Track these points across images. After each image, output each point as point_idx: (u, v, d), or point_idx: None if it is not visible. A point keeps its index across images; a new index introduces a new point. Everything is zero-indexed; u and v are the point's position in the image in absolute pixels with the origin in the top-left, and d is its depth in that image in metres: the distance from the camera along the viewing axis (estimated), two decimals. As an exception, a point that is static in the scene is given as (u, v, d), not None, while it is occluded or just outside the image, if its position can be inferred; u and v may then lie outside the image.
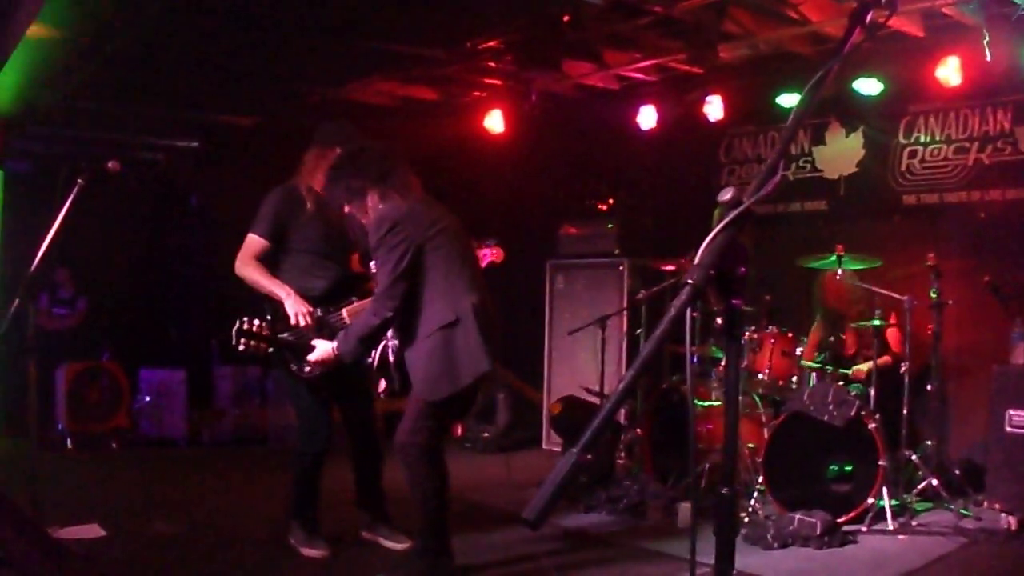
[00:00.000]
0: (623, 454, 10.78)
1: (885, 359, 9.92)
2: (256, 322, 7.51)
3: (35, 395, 8.62)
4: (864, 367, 9.82)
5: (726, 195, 2.62)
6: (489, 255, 8.10)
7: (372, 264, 7.30)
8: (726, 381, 2.84)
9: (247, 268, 7.83)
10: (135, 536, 8.45)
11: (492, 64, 12.51)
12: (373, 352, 7.44)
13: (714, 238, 2.57)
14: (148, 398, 14.12)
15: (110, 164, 7.78)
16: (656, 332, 2.47)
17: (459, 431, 14.10)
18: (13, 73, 10.05)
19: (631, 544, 8.58)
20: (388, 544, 8.14)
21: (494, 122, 13.59)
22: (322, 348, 7.27)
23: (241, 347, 7.48)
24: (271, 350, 7.66)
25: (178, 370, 14.30)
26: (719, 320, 2.63)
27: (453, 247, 7.16)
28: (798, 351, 9.85)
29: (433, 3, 10.27)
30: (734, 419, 2.87)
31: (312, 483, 8.03)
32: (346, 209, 7.30)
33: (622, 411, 11.20)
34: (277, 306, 7.67)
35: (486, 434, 13.50)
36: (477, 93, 13.83)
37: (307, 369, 7.59)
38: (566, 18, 10.75)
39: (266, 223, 7.88)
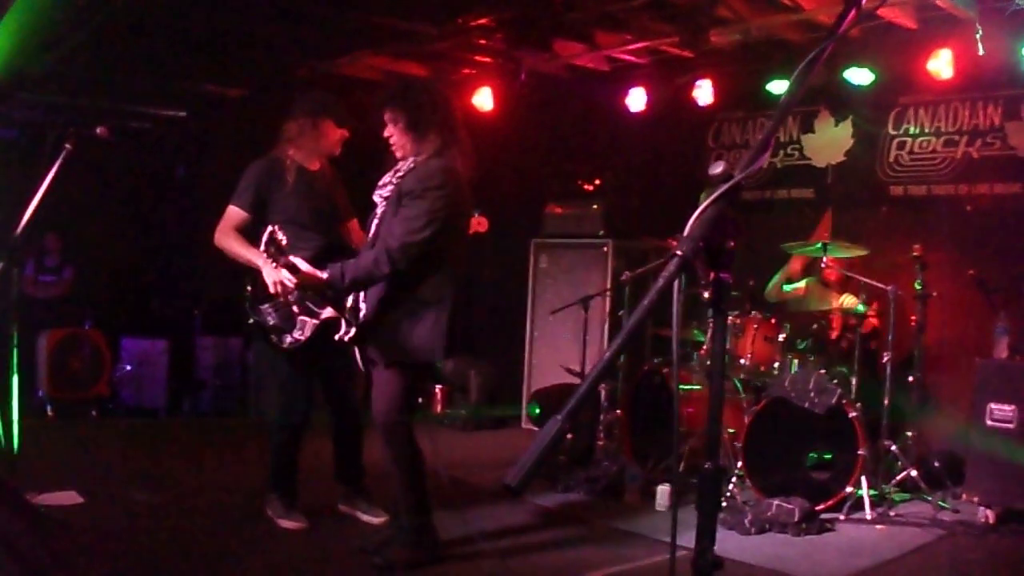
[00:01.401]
0: (602, 435, 10.79)
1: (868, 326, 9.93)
2: (282, 236, 7.38)
3: (17, 361, 8.60)
4: (848, 301, 9.88)
5: (717, 168, 2.62)
6: (474, 224, 8.07)
7: (378, 198, 7.16)
8: (712, 354, 2.83)
9: (226, 239, 7.76)
10: (113, 504, 8.44)
11: (483, 42, 12.50)
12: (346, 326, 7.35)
13: (703, 211, 2.56)
14: (129, 367, 14.10)
15: (99, 130, 7.77)
16: (643, 302, 2.46)
17: (438, 408, 14.13)
18: (2, 39, 10.01)
19: (608, 525, 8.60)
20: (366, 518, 8.16)
21: (483, 100, 13.56)
22: (311, 269, 7.09)
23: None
24: (251, 321, 7.65)
25: (160, 340, 14.29)
26: (706, 294, 2.62)
27: (462, 236, 7.20)
28: (780, 337, 9.86)
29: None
30: (719, 393, 2.86)
31: (290, 456, 8.04)
32: (386, 132, 7.10)
33: (603, 393, 11.20)
34: (256, 276, 7.58)
35: (464, 412, 13.51)
36: (467, 70, 13.81)
37: (287, 341, 7.59)
38: (558, -3, 10.75)
39: (246, 194, 7.83)
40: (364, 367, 7.32)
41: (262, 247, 7.26)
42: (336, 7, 10.80)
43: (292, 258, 7.13)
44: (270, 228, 7.21)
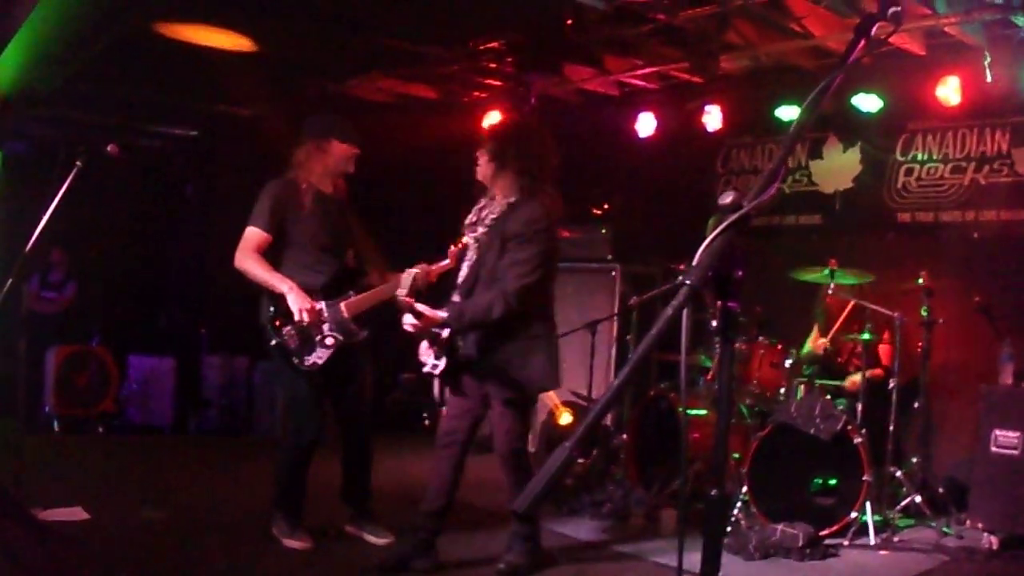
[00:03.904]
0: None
1: (876, 371, 9.96)
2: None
3: (24, 376, 8.64)
4: (857, 378, 9.84)
5: (726, 198, 2.64)
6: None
7: (470, 239, 7.46)
8: (720, 383, 2.86)
9: (248, 261, 7.71)
10: (119, 521, 8.45)
11: (493, 65, 12.54)
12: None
13: (712, 241, 2.59)
14: (136, 385, 14.13)
15: (109, 148, 7.79)
16: (651, 331, 2.49)
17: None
18: (15, 54, 10.04)
19: (612, 549, 8.61)
20: (372, 539, 8.14)
21: (493, 123, 13.57)
22: (432, 311, 7.19)
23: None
24: (273, 343, 7.66)
25: (167, 358, 14.33)
26: (714, 322, 2.68)
27: (556, 273, 7.55)
28: (787, 363, 9.87)
29: (436, 1, 10.30)
30: (726, 421, 2.87)
31: (299, 475, 8.01)
32: (482, 168, 7.46)
33: (608, 417, 11.20)
34: (278, 300, 7.63)
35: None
36: (477, 93, 13.86)
37: (307, 363, 7.63)
38: (569, 22, 10.76)
39: (266, 216, 7.78)
40: (454, 394, 7.60)
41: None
42: (348, 29, 10.84)
43: (415, 302, 7.23)
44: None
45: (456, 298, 7.33)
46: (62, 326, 14.20)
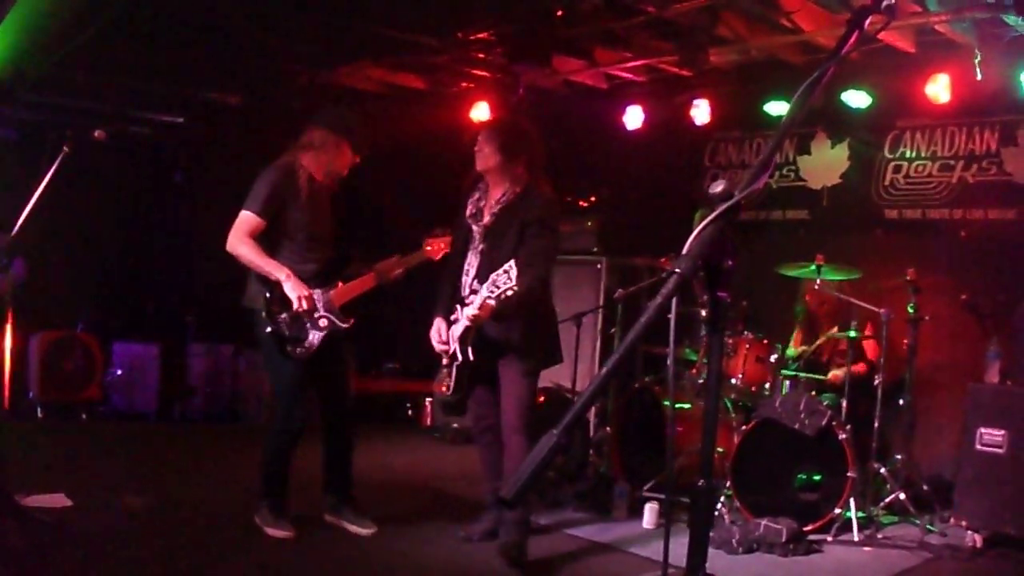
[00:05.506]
0: (592, 452, 10.79)
1: (860, 366, 9.97)
2: None
3: (8, 362, 8.60)
4: (840, 372, 9.83)
5: (717, 187, 2.63)
6: (439, 248, 8.22)
7: (476, 228, 7.83)
8: (708, 372, 2.85)
9: (242, 246, 7.63)
10: (102, 507, 8.41)
11: (482, 55, 12.50)
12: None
13: (703, 230, 2.58)
14: (120, 371, 14.06)
15: (96, 133, 7.76)
16: (641, 320, 2.47)
17: (428, 421, 14.09)
18: (3, 39, 10.01)
19: (595, 541, 8.58)
20: (353, 528, 8.13)
21: (481, 113, 13.56)
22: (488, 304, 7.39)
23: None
24: (268, 330, 7.64)
25: (152, 345, 14.26)
26: (704, 312, 2.68)
27: None
28: (772, 358, 9.85)
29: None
30: (714, 411, 2.86)
31: (284, 463, 7.99)
32: (486, 158, 7.73)
33: (592, 409, 11.20)
34: (273, 287, 7.61)
35: (455, 425, 13.44)
36: (465, 84, 13.81)
37: (299, 351, 7.64)
38: (559, 13, 10.75)
39: (262, 201, 7.69)
40: (478, 382, 7.94)
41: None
42: (337, 17, 10.81)
43: (480, 296, 7.34)
44: None
45: (476, 285, 7.53)
46: (47, 312, 14.10)
